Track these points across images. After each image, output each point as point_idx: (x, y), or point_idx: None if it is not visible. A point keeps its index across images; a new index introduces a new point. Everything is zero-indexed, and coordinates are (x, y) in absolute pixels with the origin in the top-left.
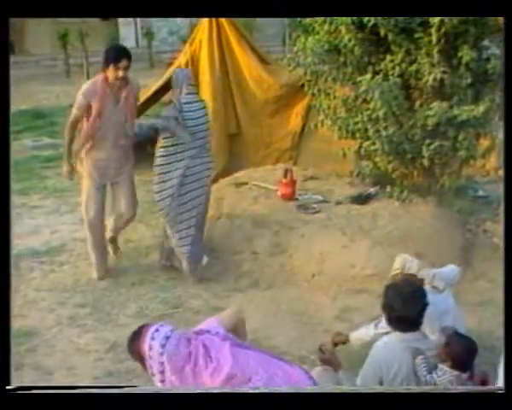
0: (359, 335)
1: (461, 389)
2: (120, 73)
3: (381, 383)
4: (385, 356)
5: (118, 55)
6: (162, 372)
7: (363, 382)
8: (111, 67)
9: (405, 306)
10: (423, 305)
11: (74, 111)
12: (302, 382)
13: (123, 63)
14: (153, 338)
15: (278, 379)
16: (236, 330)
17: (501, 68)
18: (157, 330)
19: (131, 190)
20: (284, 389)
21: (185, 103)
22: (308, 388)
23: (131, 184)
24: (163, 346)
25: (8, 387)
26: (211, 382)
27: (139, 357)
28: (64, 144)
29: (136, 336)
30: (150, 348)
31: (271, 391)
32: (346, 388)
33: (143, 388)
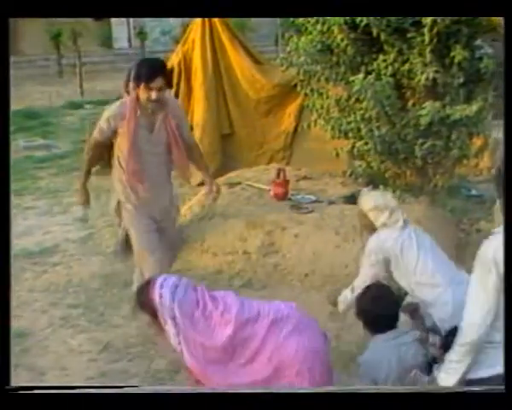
0: (341, 298)
1: (461, 389)
2: (153, 95)
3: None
4: (372, 360)
5: (151, 72)
6: (173, 319)
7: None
8: (142, 87)
9: (378, 306)
10: (395, 303)
11: (95, 134)
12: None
13: (157, 83)
14: (162, 287)
15: (282, 305)
16: None
17: (494, 68)
18: (165, 279)
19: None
20: (285, 389)
21: None
22: (308, 388)
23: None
24: (173, 293)
25: (7, 387)
26: (222, 323)
27: (150, 309)
28: (81, 170)
29: (146, 288)
30: (161, 297)
31: (272, 391)
32: (346, 388)
33: (143, 388)
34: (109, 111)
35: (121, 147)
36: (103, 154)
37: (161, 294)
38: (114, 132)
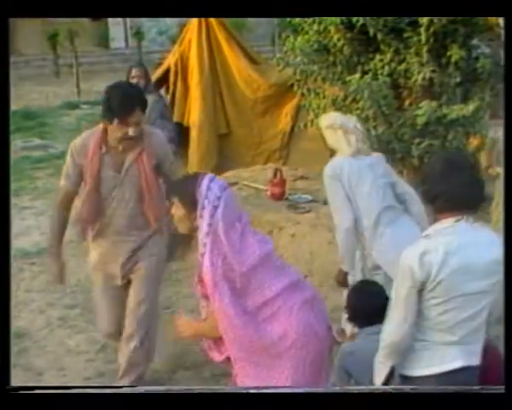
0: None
1: (461, 389)
2: (131, 132)
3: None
4: (359, 351)
5: (128, 104)
6: (212, 216)
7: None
8: (115, 122)
9: (366, 301)
10: (383, 297)
11: (62, 181)
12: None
13: (135, 116)
14: (212, 181)
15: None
16: None
17: (490, 68)
18: (216, 177)
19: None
20: (284, 389)
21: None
22: (308, 388)
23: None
24: (221, 191)
25: (8, 387)
26: (251, 252)
27: (190, 200)
28: (50, 233)
29: (192, 179)
30: (208, 189)
31: (272, 391)
32: (345, 388)
33: (142, 388)
34: (72, 145)
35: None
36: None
37: (210, 187)
38: (80, 169)
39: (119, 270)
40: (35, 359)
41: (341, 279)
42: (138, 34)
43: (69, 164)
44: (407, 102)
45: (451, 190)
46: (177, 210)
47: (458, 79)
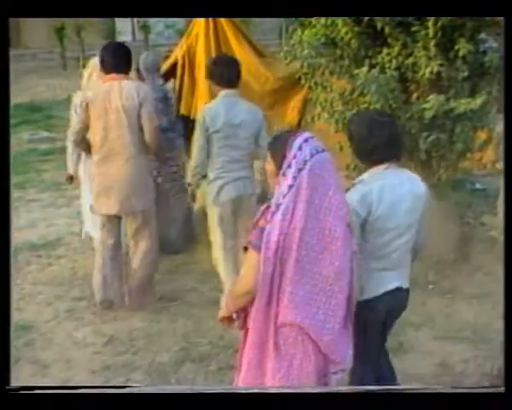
0: None
1: (461, 389)
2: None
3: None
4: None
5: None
6: (295, 178)
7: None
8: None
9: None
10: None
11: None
12: None
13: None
14: (306, 140)
15: None
16: None
17: (498, 62)
18: (310, 138)
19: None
20: (284, 389)
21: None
22: (308, 388)
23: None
24: (312, 154)
25: (8, 387)
26: (329, 220)
27: (279, 157)
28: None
29: (286, 135)
30: (299, 149)
31: (272, 391)
32: (346, 388)
33: (144, 388)
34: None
35: None
36: None
37: (301, 147)
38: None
39: None
40: (42, 351)
41: None
42: (145, 28)
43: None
44: (414, 96)
45: (379, 145)
46: (269, 165)
47: (466, 73)
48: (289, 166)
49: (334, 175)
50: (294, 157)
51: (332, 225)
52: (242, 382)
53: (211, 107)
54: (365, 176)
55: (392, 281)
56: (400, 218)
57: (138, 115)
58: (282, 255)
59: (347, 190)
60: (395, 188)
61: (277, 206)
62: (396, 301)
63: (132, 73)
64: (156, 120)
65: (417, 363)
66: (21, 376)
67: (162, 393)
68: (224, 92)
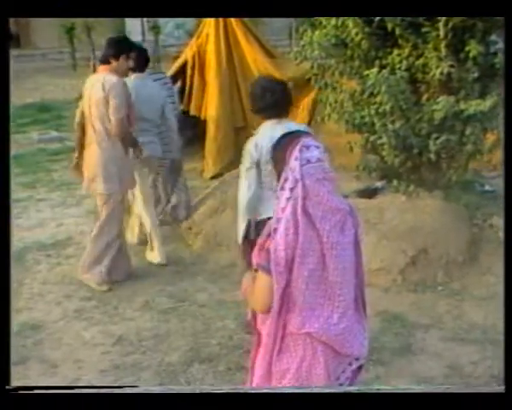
0: None
1: (461, 389)
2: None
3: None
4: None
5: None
6: (292, 190)
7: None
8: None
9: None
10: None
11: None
12: None
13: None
14: (301, 150)
15: None
16: None
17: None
18: (308, 145)
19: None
20: (284, 389)
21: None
22: (308, 388)
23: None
24: (319, 160)
25: (8, 387)
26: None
27: (280, 161)
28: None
29: (287, 141)
30: (296, 159)
31: (272, 391)
32: (345, 388)
33: (143, 388)
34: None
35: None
36: None
37: (297, 157)
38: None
39: None
40: (51, 351)
41: None
42: (155, 28)
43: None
44: (425, 97)
45: (269, 104)
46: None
47: (476, 75)
48: (286, 179)
49: (329, 183)
50: (291, 170)
51: (329, 231)
52: (256, 385)
53: None
54: (259, 128)
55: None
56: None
57: (106, 106)
58: (289, 267)
59: (358, 190)
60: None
61: (278, 220)
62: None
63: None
64: (121, 112)
65: (426, 365)
66: (30, 375)
67: (159, 393)
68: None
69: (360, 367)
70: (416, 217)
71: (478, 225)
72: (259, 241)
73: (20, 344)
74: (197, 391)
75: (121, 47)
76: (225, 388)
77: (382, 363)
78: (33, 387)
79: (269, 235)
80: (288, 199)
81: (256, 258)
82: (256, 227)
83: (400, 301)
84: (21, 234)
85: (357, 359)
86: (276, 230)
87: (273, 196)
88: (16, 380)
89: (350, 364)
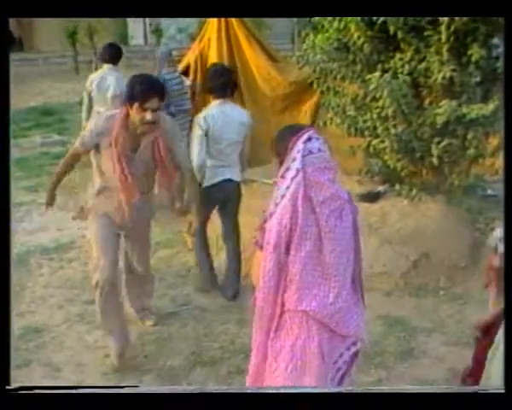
0: None
1: (461, 389)
2: (148, 116)
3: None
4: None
5: (146, 91)
6: (292, 179)
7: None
8: (136, 107)
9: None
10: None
11: (76, 144)
12: None
13: (152, 103)
14: (305, 141)
15: None
16: None
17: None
18: (311, 137)
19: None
20: (284, 389)
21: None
22: (308, 388)
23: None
24: (320, 150)
25: (8, 387)
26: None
27: (282, 153)
28: (55, 175)
29: (290, 134)
30: (298, 151)
31: (271, 391)
32: (345, 388)
33: (144, 388)
34: (94, 125)
35: (105, 162)
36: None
37: (300, 149)
38: (96, 144)
39: (123, 223)
40: (53, 354)
41: None
42: (157, 32)
43: (87, 139)
44: (427, 101)
45: (216, 86)
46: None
47: (478, 79)
48: (287, 169)
49: (330, 171)
50: (293, 160)
51: (328, 216)
52: (252, 364)
53: None
54: (209, 106)
55: (225, 174)
56: (229, 133)
57: None
58: (287, 249)
59: (361, 194)
60: (227, 114)
61: (276, 205)
62: (228, 188)
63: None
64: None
65: (428, 368)
66: (33, 378)
67: (160, 393)
68: None
69: (358, 351)
70: (419, 221)
71: (480, 230)
72: (261, 222)
73: (22, 348)
74: (197, 391)
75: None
76: (226, 388)
77: (384, 367)
78: (33, 387)
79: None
80: (288, 187)
81: (256, 237)
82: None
83: (402, 305)
84: (24, 238)
85: (354, 343)
86: (272, 214)
87: (216, 166)
88: (19, 383)
89: (348, 349)
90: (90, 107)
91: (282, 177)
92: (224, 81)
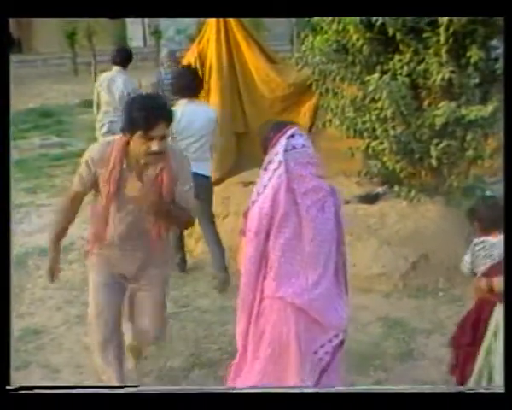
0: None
1: (461, 389)
2: (155, 146)
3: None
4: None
5: (151, 117)
6: (274, 171)
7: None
8: (138, 135)
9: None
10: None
11: (74, 186)
12: None
13: (159, 130)
14: (288, 137)
15: None
16: None
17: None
18: (294, 133)
19: (159, 302)
20: (283, 388)
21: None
22: (309, 388)
23: (159, 295)
24: (291, 154)
25: (8, 387)
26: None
27: (265, 146)
28: (53, 229)
29: (274, 129)
30: (281, 146)
31: (270, 391)
32: (345, 388)
33: (144, 388)
34: (89, 154)
35: (103, 191)
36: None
37: (283, 144)
38: (95, 177)
39: (129, 273)
40: (52, 356)
41: None
42: (156, 33)
43: (84, 172)
44: (426, 103)
45: (182, 86)
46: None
47: (477, 80)
48: (270, 161)
49: (313, 166)
50: (276, 154)
51: (309, 207)
52: (239, 354)
53: None
54: (177, 104)
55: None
56: (196, 129)
57: None
58: (267, 237)
59: (360, 196)
60: (193, 111)
61: (258, 195)
62: (197, 181)
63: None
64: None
65: (428, 370)
66: (32, 380)
67: (160, 393)
68: None
69: (341, 343)
70: (418, 222)
71: None
72: (245, 210)
73: (21, 349)
74: (197, 391)
75: None
76: (226, 388)
77: (384, 368)
78: (34, 387)
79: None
80: (270, 178)
81: (241, 224)
82: None
83: (401, 306)
84: (23, 239)
85: (336, 335)
86: (254, 202)
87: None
88: (18, 385)
89: (330, 340)
90: (99, 106)
91: (265, 169)
92: (189, 82)
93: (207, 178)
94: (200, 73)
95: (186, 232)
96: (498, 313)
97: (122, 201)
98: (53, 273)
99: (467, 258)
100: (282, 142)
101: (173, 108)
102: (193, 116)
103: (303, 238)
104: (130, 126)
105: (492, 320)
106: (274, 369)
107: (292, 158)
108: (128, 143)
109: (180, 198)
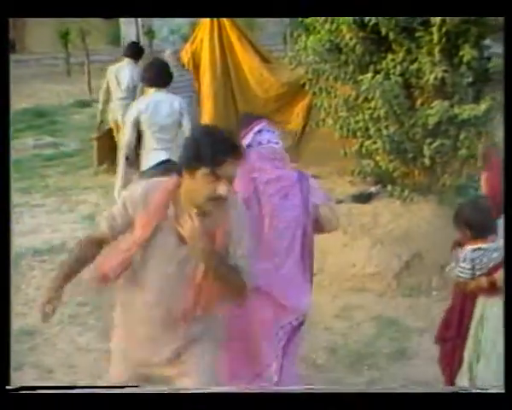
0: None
1: (461, 389)
2: (222, 189)
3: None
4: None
5: (221, 152)
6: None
7: None
8: (201, 173)
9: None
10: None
11: (103, 227)
12: None
13: (229, 170)
14: (255, 133)
15: None
16: None
17: (502, 67)
18: (261, 131)
19: None
20: (282, 389)
21: None
22: (309, 388)
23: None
24: (269, 142)
25: (8, 387)
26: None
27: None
28: (61, 271)
29: (241, 128)
30: (256, 133)
31: (269, 391)
32: (345, 388)
33: (143, 388)
34: (129, 193)
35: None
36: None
37: (248, 139)
38: (130, 222)
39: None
40: (45, 356)
41: None
42: (150, 33)
43: (119, 213)
44: (419, 102)
45: (150, 77)
46: None
47: (470, 79)
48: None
49: (278, 161)
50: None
51: (271, 195)
52: None
53: None
54: (144, 94)
55: (160, 156)
56: (161, 118)
57: None
58: None
59: (353, 195)
60: (159, 101)
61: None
62: (167, 169)
63: None
64: None
65: (421, 369)
66: (25, 380)
67: (160, 393)
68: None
69: (300, 325)
70: (411, 222)
71: None
72: None
73: (14, 350)
74: (197, 391)
75: None
76: (225, 388)
77: (377, 367)
78: (34, 387)
79: None
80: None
81: None
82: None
83: (395, 305)
84: (16, 240)
85: (297, 318)
86: None
87: (152, 149)
88: (12, 386)
89: (290, 323)
90: (108, 94)
91: None
92: (156, 72)
93: (176, 163)
94: (166, 64)
95: None
96: (482, 304)
97: (158, 265)
98: (48, 314)
99: (464, 265)
100: (250, 136)
101: (139, 99)
102: (157, 106)
103: (263, 225)
104: (192, 161)
105: (476, 312)
106: (242, 350)
107: (254, 152)
108: (178, 186)
109: (236, 260)
